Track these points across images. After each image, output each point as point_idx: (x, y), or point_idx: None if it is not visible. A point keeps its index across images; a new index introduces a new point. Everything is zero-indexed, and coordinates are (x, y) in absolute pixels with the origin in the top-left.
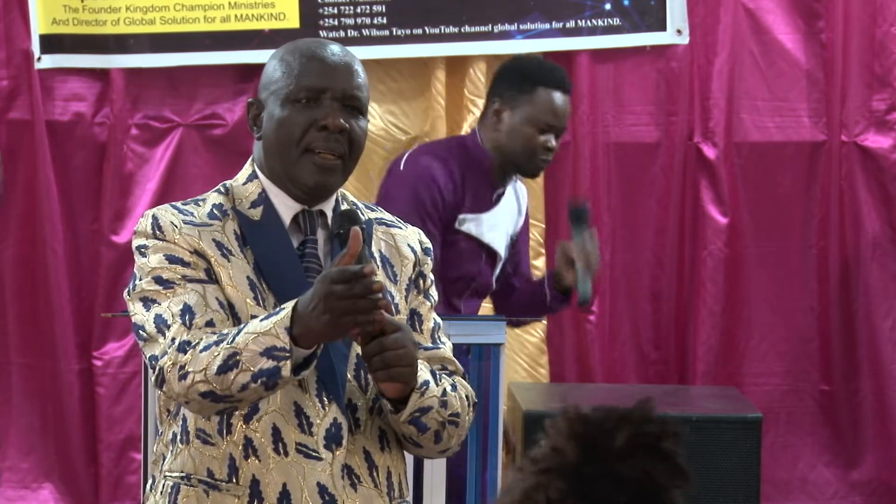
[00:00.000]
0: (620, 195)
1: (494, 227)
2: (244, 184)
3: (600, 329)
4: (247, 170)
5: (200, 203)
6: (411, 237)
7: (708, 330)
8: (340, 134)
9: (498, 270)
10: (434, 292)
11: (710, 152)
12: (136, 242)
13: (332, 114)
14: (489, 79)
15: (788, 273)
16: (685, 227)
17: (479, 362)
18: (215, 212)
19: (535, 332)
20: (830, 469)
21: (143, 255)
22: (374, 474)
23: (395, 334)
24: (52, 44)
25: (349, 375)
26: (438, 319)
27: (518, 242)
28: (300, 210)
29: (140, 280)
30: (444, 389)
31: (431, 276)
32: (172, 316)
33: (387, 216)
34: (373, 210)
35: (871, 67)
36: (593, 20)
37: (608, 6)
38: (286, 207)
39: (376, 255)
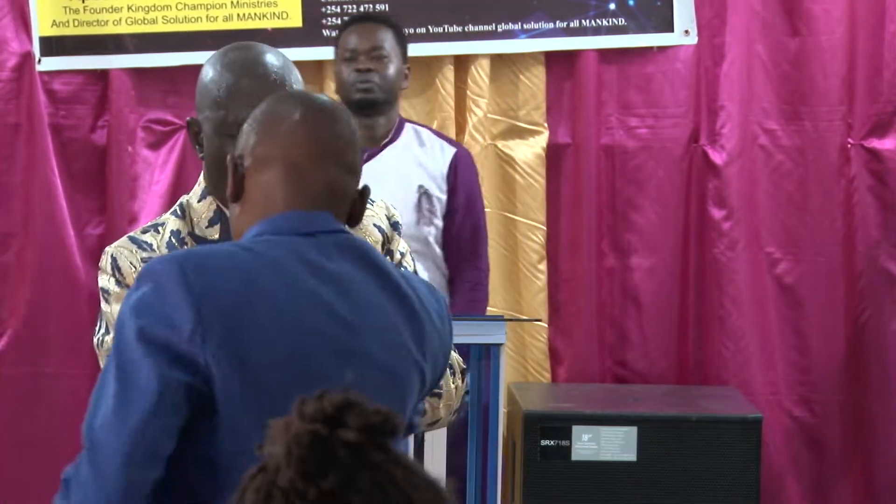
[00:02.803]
0: (624, 198)
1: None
2: (199, 201)
3: (603, 331)
4: (200, 185)
5: (160, 229)
6: (378, 214)
7: (713, 335)
8: None
9: (412, 229)
10: (408, 261)
11: (715, 155)
12: (100, 282)
13: None
14: (492, 79)
15: (795, 277)
16: (690, 230)
17: (478, 362)
18: (173, 240)
19: (540, 336)
20: (840, 475)
21: (107, 301)
22: None
23: None
24: (53, 46)
25: None
26: None
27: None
28: None
29: (106, 334)
30: None
31: (402, 248)
32: None
33: None
34: None
35: (878, 69)
36: (597, 20)
37: (612, 6)
38: None
39: None
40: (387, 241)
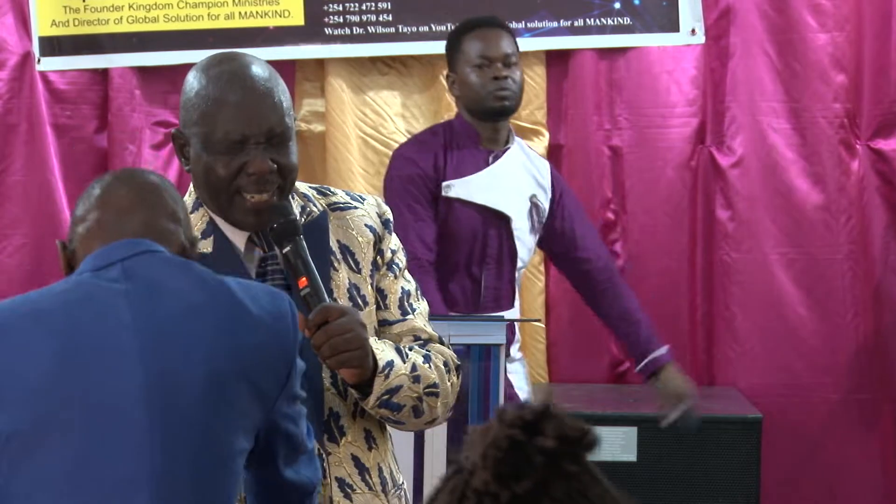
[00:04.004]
0: (631, 199)
1: (490, 187)
2: (192, 212)
3: (603, 331)
4: (191, 195)
5: None
6: (369, 213)
7: (719, 336)
8: (270, 174)
9: (526, 235)
10: (400, 258)
11: (722, 156)
12: None
13: (257, 160)
14: None
15: (803, 279)
16: (697, 232)
17: (478, 362)
18: None
19: (540, 336)
20: (847, 476)
21: None
22: (367, 477)
23: (340, 319)
24: (53, 46)
25: (327, 383)
26: (409, 285)
27: (559, 220)
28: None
29: None
30: (414, 364)
31: (394, 245)
32: None
33: (341, 198)
34: (326, 194)
35: (885, 69)
36: (602, 19)
37: (617, 5)
38: (236, 232)
39: (335, 245)
40: (378, 241)
